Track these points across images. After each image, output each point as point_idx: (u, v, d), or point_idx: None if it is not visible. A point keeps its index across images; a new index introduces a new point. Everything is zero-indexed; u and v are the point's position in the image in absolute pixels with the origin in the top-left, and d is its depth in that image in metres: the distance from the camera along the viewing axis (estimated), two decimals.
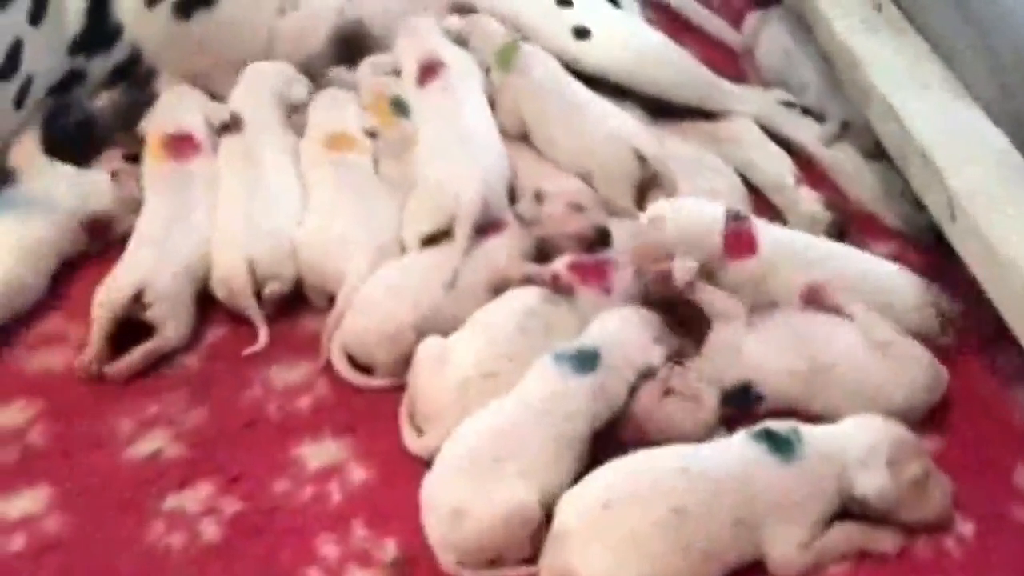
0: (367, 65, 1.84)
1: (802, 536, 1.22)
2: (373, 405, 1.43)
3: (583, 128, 1.67)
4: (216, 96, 1.82)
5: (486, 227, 1.52)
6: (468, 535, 1.21)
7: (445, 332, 1.42)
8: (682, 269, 1.39)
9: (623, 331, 1.36)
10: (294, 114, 1.78)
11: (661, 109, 1.80)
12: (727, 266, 1.44)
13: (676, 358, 1.38)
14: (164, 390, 1.47)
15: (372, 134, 1.74)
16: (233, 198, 1.63)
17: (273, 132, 1.74)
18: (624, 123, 1.68)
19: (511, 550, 1.22)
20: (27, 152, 1.69)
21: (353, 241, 1.54)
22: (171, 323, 1.50)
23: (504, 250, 1.51)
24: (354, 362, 1.47)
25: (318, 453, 1.38)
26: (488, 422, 1.28)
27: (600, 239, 1.50)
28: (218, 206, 1.63)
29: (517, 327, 1.39)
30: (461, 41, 1.81)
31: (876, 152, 1.69)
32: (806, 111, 1.85)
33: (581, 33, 1.81)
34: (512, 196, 1.60)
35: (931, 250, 1.59)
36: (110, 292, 1.50)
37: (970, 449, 1.35)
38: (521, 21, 1.83)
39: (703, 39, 2.06)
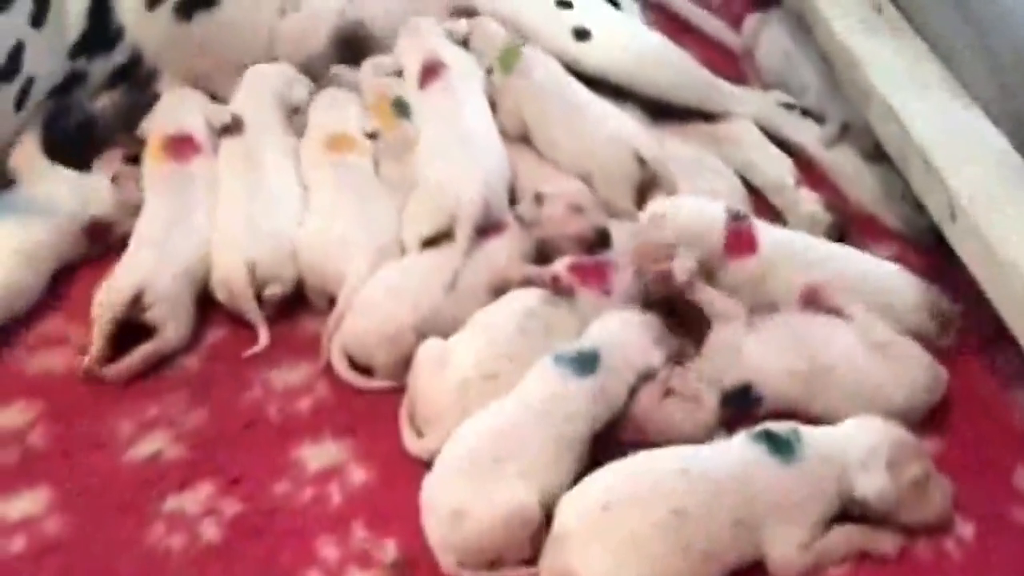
0: (369, 66, 1.84)
1: (802, 537, 1.22)
2: (373, 406, 1.43)
3: (584, 130, 1.67)
4: (217, 97, 1.83)
5: (486, 229, 1.52)
6: (468, 536, 1.21)
7: (445, 334, 1.42)
8: (683, 265, 1.39)
9: (623, 333, 1.36)
10: (295, 116, 1.78)
11: (661, 110, 1.80)
12: (727, 265, 1.44)
13: (676, 360, 1.38)
14: (164, 391, 1.47)
15: (372, 135, 1.74)
16: (234, 199, 1.63)
17: (274, 133, 1.74)
18: (624, 125, 1.68)
19: (511, 551, 1.22)
20: (27, 155, 1.69)
21: (353, 242, 1.54)
22: (171, 324, 1.50)
23: (504, 251, 1.51)
24: (354, 363, 1.47)
25: (318, 454, 1.38)
26: (488, 423, 1.28)
27: (600, 240, 1.50)
28: (218, 207, 1.63)
29: (517, 328, 1.39)
30: (463, 43, 1.81)
31: (876, 154, 1.69)
32: (806, 112, 1.85)
33: (581, 34, 1.81)
34: (512, 198, 1.60)
35: (931, 252, 1.59)
36: (110, 293, 1.50)
37: (970, 450, 1.35)
38: (521, 22, 1.83)
39: (703, 41, 2.06)
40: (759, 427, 1.26)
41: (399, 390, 1.42)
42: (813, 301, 1.42)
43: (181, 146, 1.70)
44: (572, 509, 1.21)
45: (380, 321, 1.45)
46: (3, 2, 1.65)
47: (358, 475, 1.35)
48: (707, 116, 1.82)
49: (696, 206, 1.48)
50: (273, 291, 1.54)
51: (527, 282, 1.44)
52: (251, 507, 1.32)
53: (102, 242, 1.65)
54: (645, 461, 1.24)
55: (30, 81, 1.71)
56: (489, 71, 1.76)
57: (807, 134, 1.82)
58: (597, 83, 1.76)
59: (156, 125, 1.75)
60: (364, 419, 1.42)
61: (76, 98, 1.79)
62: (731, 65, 2.00)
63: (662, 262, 1.41)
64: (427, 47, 1.77)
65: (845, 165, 1.77)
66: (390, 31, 1.86)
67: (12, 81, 1.68)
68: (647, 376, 1.34)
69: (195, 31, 1.84)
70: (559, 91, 1.73)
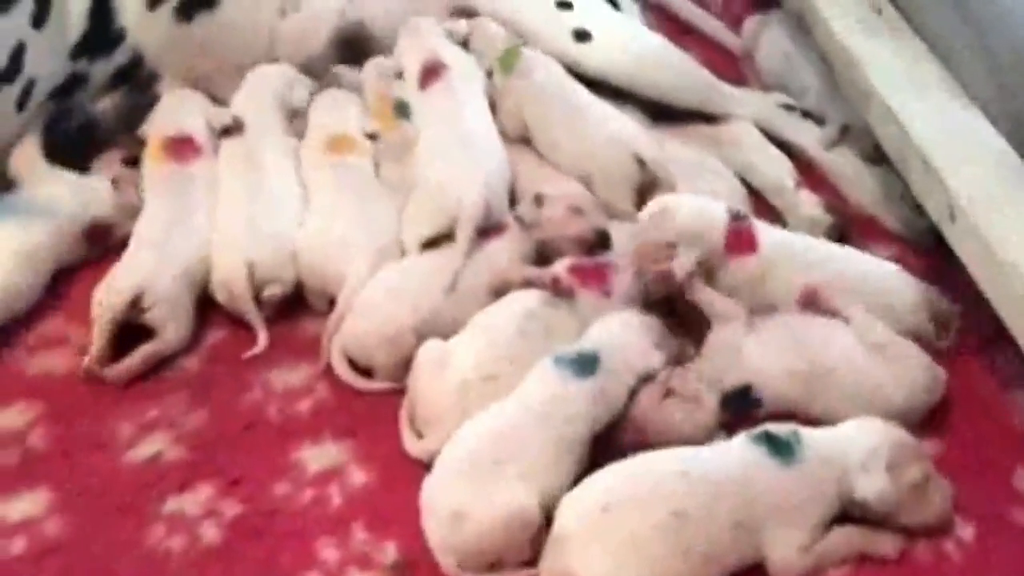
0: (371, 67, 1.84)
1: (802, 539, 1.21)
2: (373, 408, 1.43)
3: (584, 131, 1.67)
4: (217, 99, 1.83)
5: (486, 230, 1.52)
6: (468, 538, 1.21)
7: (445, 335, 1.42)
8: (683, 263, 1.39)
9: (624, 335, 1.36)
10: (295, 119, 1.78)
11: (661, 112, 1.80)
12: (727, 265, 1.44)
13: (676, 361, 1.38)
14: (164, 393, 1.47)
15: (372, 136, 1.74)
16: (234, 200, 1.63)
17: (274, 134, 1.74)
18: (625, 126, 1.68)
19: (511, 553, 1.22)
20: (27, 158, 1.69)
21: (353, 243, 1.54)
22: (171, 325, 1.50)
23: (504, 253, 1.51)
24: (354, 365, 1.47)
25: (318, 456, 1.38)
26: (488, 425, 1.28)
27: (600, 242, 1.50)
28: (218, 208, 1.64)
29: (517, 330, 1.39)
30: (463, 44, 1.81)
31: (876, 156, 1.69)
32: (806, 114, 1.85)
33: (581, 36, 1.81)
34: (511, 199, 1.60)
35: (931, 253, 1.59)
36: (110, 294, 1.50)
37: (969, 451, 1.35)
38: (521, 24, 1.83)
39: (703, 42, 2.06)
40: (759, 429, 1.26)
41: (399, 392, 1.42)
42: (812, 303, 1.42)
43: (181, 147, 1.70)
44: (572, 511, 1.21)
45: (380, 322, 1.45)
46: (4, 3, 1.66)
47: (358, 476, 1.35)
48: (707, 118, 1.82)
49: (697, 204, 1.48)
50: (272, 292, 1.54)
51: (527, 284, 1.44)
52: (251, 508, 1.32)
53: (101, 244, 1.65)
54: (645, 463, 1.24)
55: (31, 82, 1.71)
56: (489, 72, 1.76)
57: (807, 136, 1.82)
58: (597, 84, 1.76)
59: (156, 126, 1.75)
60: (364, 421, 1.42)
61: (77, 100, 1.79)
62: (731, 67, 2.00)
63: (662, 262, 1.41)
64: (427, 47, 1.77)
65: (845, 167, 1.77)
66: (390, 31, 1.86)
67: (14, 82, 1.68)
68: (647, 378, 1.34)
69: (196, 32, 1.85)
70: (560, 92, 1.73)
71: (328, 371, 1.47)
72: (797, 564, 1.21)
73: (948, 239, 1.40)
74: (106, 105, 1.82)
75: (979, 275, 1.33)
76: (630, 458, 1.25)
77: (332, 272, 1.53)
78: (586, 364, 1.31)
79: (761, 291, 1.44)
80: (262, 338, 1.51)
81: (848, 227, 1.65)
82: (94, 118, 1.81)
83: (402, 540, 1.27)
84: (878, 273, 1.49)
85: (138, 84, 1.84)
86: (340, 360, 1.47)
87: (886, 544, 1.24)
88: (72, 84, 1.78)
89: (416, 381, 1.39)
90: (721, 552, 1.20)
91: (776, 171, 1.74)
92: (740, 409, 1.35)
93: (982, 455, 1.35)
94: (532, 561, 1.22)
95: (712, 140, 1.80)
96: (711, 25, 2.10)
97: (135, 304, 1.49)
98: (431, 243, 1.53)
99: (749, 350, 1.37)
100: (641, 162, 1.62)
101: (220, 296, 1.56)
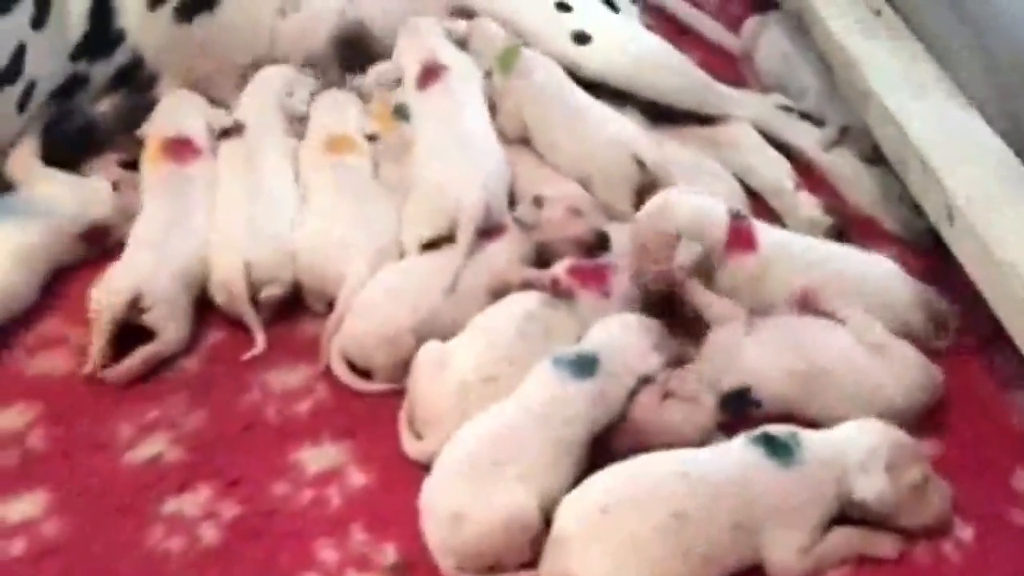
0: (373, 73, 1.84)
1: (801, 541, 1.22)
2: (372, 409, 1.43)
3: (584, 133, 1.67)
4: (216, 100, 1.83)
5: (486, 231, 1.52)
6: (468, 539, 1.21)
7: (444, 336, 1.42)
8: (687, 254, 1.39)
9: (623, 336, 1.36)
10: (298, 121, 1.78)
11: (660, 114, 1.80)
12: (726, 263, 1.44)
13: (676, 363, 1.38)
14: (164, 394, 1.47)
15: (372, 137, 1.74)
16: (234, 201, 1.63)
17: (275, 135, 1.74)
18: (624, 128, 1.69)
19: (511, 554, 1.22)
20: (23, 161, 1.69)
21: (353, 244, 1.54)
22: (171, 326, 1.50)
23: (504, 254, 1.51)
24: (353, 366, 1.47)
25: (317, 457, 1.38)
26: (487, 426, 1.28)
27: (599, 243, 1.51)
28: (217, 209, 1.64)
29: (516, 331, 1.39)
30: (461, 44, 1.81)
31: (875, 156, 1.69)
32: (805, 115, 1.86)
33: (580, 38, 1.81)
34: (510, 200, 1.60)
35: (929, 254, 1.59)
36: (108, 295, 1.50)
37: (968, 452, 1.35)
38: (521, 25, 1.83)
39: (702, 44, 2.06)
40: (758, 430, 1.26)
41: (398, 393, 1.42)
42: (807, 304, 1.41)
43: (180, 148, 1.70)
44: (571, 512, 1.21)
45: (379, 323, 1.45)
46: (5, 4, 1.66)
47: (357, 478, 1.35)
48: (706, 119, 1.82)
49: (698, 200, 1.47)
50: (271, 293, 1.54)
51: (526, 285, 1.44)
52: (250, 509, 1.32)
53: (100, 245, 1.65)
54: (644, 464, 1.24)
55: (32, 83, 1.71)
56: (488, 73, 1.76)
57: (806, 137, 1.82)
58: (596, 86, 1.76)
59: (156, 127, 1.75)
60: (363, 422, 1.42)
61: (77, 102, 1.79)
62: (730, 68, 2.00)
63: (662, 262, 1.41)
64: (426, 48, 1.77)
65: (844, 168, 1.77)
66: (390, 31, 1.86)
67: (14, 83, 1.68)
68: (646, 379, 1.34)
69: (196, 33, 1.85)
70: (559, 93, 1.73)
71: (327, 372, 1.47)
72: (796, 565, 1.21)
73: (946, 239, 1.40)
74: (105, 106, 1.82)
75: (977, 275, 1.33)
76: (630, 459, 1.25)
77: (332, 273, 1.53)
78: (585, 365, 1.31)
79: (760, 291, 1.45)
80: (260, 339, 1.51)
81: (847, 228, 1.66)
82: (93, 119, 1.81)
83: (401, 541, 1.27)
84: (877, 272, 1.49)
85: (138, 85, 1.84)
86: (339, 361, 1.47)
87: (885, 545, 1.24)
88: (72, 85, 1.78)
89: (415, 382, 1.39)
90: (721, 553, 1.20)
91: (775, 172, 1.75)
92: (739, 410, 1.35)
93: (981, 456, 1.35)
94: (531, 563, 1.22)
95: (710, 141, 1.80)
96: (709, 26, 2.10)
97: (134, 305, 1.49)
98: (430, 244, 1.53)
99: (747, 351, 1.37)
100: (641, 163, 1.62)
101: (219, 297, 1.56)
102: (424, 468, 1.30)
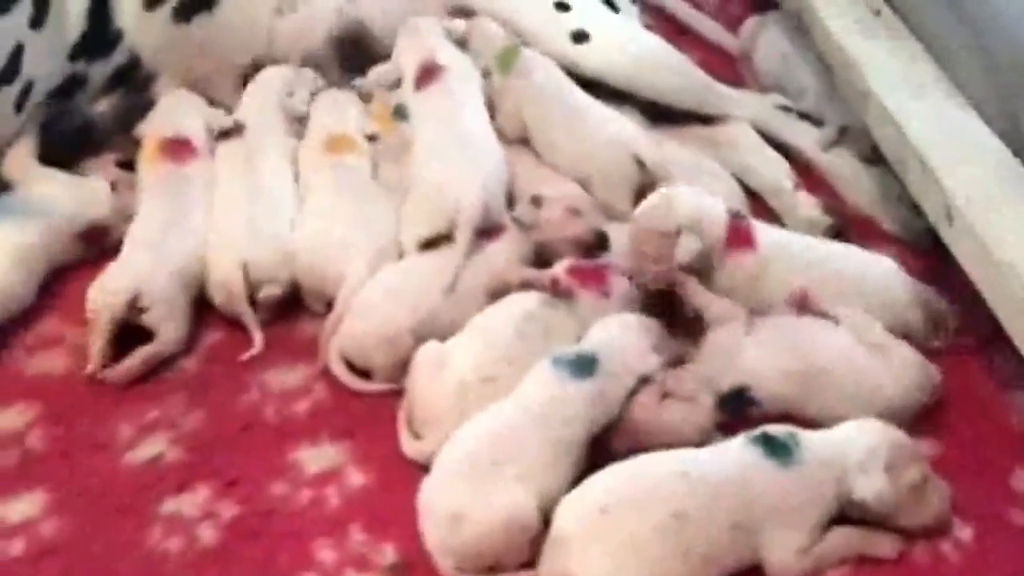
0: (373, 74, 1.83)
1: (801, 541, 1.22)
2: (371, 409, 1.43)
3: (584, 133, 1.67)
4: (215, 100, 1.83)
5: (485, 231, 1.52)
6: (467, 540, 1.21)
7: (443, 336, 1.42)
8: (685, 251, 1.39)
9: (623, 337, 1.36)
10: (299, 122, 1.78)
11: (659, 113, 1.80)
12: (725, 261, 1.44)
13: (676, 363, 1.38)
14: (163, 394, 1.47)
15: (372, 138, 1.74)
16: (233, 201, 1.63)
17: (275, 135, 1.74)
18: (624, 128, 1.69)
19: (510, 555, 1.22)
20: (20, 161, 1.69)
21: (353, 244, 1.54)
22: (170, 326, 1.50)
23: (503, 254, 1.51)
24: (352, 366, 1.47)
25: (316, 457, 1.38)
26: (486, 426, 1.28)
27: (598, 243, 1.51)
28: (216, 209, 1.63)
29: (516, 331, 1.39)
30: (461, 43, 1.81)
31: (874, 156, 1.69)
32: (804, 115, 1.86)
33: (579, 37, 1.81)
34: (509, 200, 1.60)
35: (928, 254, 1.59)
36: (106, 295, 1.50)
37: (967, 452, 1.35)
38: (519, 25, 1.83)
39: (701, 44, 2.06)
40: (757, 430, 1.26)
41: (397, 393, 1.42)
42: (803, 305, 1.41)
43: (178, 148, 1.70)
44: (571, 512, 1.21)
45: (378, 323, 1.45)
46: (3, 4, 1.65)
47: (356, 478, 1.35)
48: (704, 119, 1.82)
49: (697, 197, 1.47)
50: (269, 292, 1.54)
51: (526, 285, 1.44)
52: (248, 509, 1.32)
53: (97, 245, 1.64)
54: (644, 464, 1.24)
55: (30, 83, 1.71)
56: (486, 73, 1.76)
57: (805, 137, 1.82)
58: (595, 86, 1.76)
59: (154, 127, 1.75)
60: (362, 422, 1.42)
61: (75, 102, 1.79)
62: (729, 68, 2.00)
63: (661, 260, 1.40)
64: (425, 48, 1.77)
65: (843, 168, 1.77)
66: (389, 30, 1.86)
67: (12, 83, 1.68)
68: (645, 379, 1.34)
69: (194, 33, 1.84)
70: (558, 93, 1.73)
71: (326, 372, 1.47)
72: (795, 565, 1.21)
73: (945, 240, 1.40)
74: (103, 106, 1.82)
75: (976, 275, 1.33)
76: (629, 459, 1.25)
77: (331, 273, 1.53)
78: (585, 365, 1.31)
79: (759, 291, 1.45)
80: (258, 339, 1.51)
81: (846, 228, 1.66)
82: (91, 119, 1.81)
83: (400, 541, 1.27)
84: (876, 272, 1.49)
85: (136, 85, 1.83)
86: (338, 361, 1.47)
87: (884, 545, 1.24)
88: (70, 85, 1.78)
89: (414, 382, 1.39)
90: (720, 553, 1.20)
91: (774, 172, 1.75)
92: (737, 410, 1.35)
93: (980, 456, 1.35)
94: (531, 563, 1.22)
95: (709, 141, 1.80)
96: (708, 26, 2.10)
97: (132, 305, 1.49)
98: (429, 244, 1.53)
99: (745, 351, 1.37)
100: (640, 163, 1.62)
101: (217, 298, 1.56)
102: (423, 468, 1.30)
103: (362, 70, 1.84)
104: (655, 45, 1.85)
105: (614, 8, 1.91)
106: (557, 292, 1.43)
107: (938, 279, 1.50)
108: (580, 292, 1.44)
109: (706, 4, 2.17)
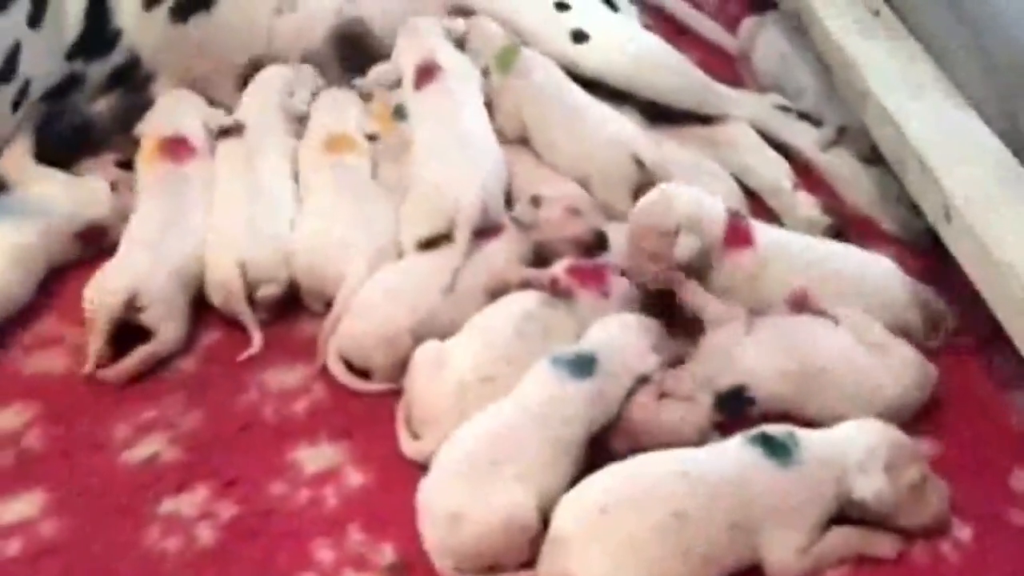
0: (373, 74, 1.83)
1: (800, 541, 1.21)
2: (370, 409, 1.43)
3: (583, 132, 1.67)
4: (214, 100, 1.82)
5: (484, 231, 1.52)
6: (466, 540, 1.21)
7: (442, 336, 1.42)
8: (684, 248, 1.39)
9: (622, 336, 1.36)
10: (297, 122, 1.78)
11: (658, 113, 1.80)
12: (724, 260, 1.44)
13: (675, 363, 1.37)
14: (161, 394, 1.46)
15: (372, 137, 1.74)
16: (233, 201, 1.63)
17: (276, 135, 1.74)
18: (623, 128, 1.69)
19: (509, 555, 1.21)
20: (17, 161, 1.69)
21: (352, 244, 1.54)
22: (168, 325, 1.50)
23: (502, 254, 1.51)
24: (351, 366, 1.47)
25: (314, 457, 1.38)
26: (485, 426, 1.28)
27: (598, 243, 1.51)
28: (215, 208, 1.63)
29: (515, 331, 1.39)
30: (460, 43, 1.81)
31: (873, 156, 1.69)
32: (803, 115, 1.86)
33: (579, 37, 1.81)
34: (508, 200, 1.60)
35: (927, 254, 1.59)
36: (103, 295, 1.49)
37: (967, 452, 1.35)
38: (519, 24, 1.83)
39: (700, 44, 2.07)
40: (756, 430, 1.26)
41: (396, 393, 1.42)
42: (802, 305, 1.41)
43: (177, 148, 1.70)
44: (570, 512, 1.21)
45: (377, 323, 1.45)
46: (1, 3, 1.65)
47: (355, 478, 1.35)
48: (704, 119, 1.82)
49: (696, 194, 1.47)
50: (267, 292, 1.54)
51: (525, 285, 1.44)
52: (247, 509, 1.32)
53: (96, 245, 1.64)
54: (643, 464, 1.24)
55: (27, 83, 1.70)
56: (486, 73, 1.76)
57: (804, 137, 1.82)
58: (595, 85, 1.76)
59: (152, 127, 1.75)
60: (361, 422, 1.42)
61: (73, 101, 1.78)
62: (728, 68, 2.00)
63: (660, 258, 1.40)
64: (425, 48, 1.77)
65: (842, 168, 1.77)
66: (388, 30, 1.86)
67: (9, 82, 1.68)
68: (644, 379, 1.34)
69: (192, 33, 1.84)
70: (558, 93, 1.73)
71: (324, 372, 1.47)
72: (795, 565, 1.21)
73: (944, 240, 1.40)
74: (102, 106, 1.82)
75: (975, 275, 1.33)
76: (628, 459, 1.25)
77: (331, 273, 1.53)
78: (584, 365, 1.31)
79: (757, 290, 1.44)
80: (256, 339, 1.51)
81: (845, 228, 1.66)
82: (89, 119, 1.81)
83: (399, 542, 1.27)
84: (875, 272, 1.49)
85: (134, 85, 1.83)
86: (337, 361, 1.47)
87: (884, 545, 1.24)
88: (68, 85, 1.77)
89: (413, 382, 1.39)
90: (719, 553, 1.19)
91: (773, 172, 1.75)
92: (735, 410, 1.35)
93: (979, 456, 1.35)
94: (530, 563, 1.21)
95: (708, 141, 1.80)
96: (708, 26, 2.10)
97: (130, 304, 1.48)
98: (429, 244, 1.53)
99: (743, 351, 1.37)
100: (640, 163, 1.62)
101: (216, 298, 1.56)
102: (422, 468, 1.29)
103: (362, 70, 1.84)
104: (654, 45, 1.85)
105: (614, 8, 1.91)
106: (556, 292, 1.43)
107: (937, 279, 1.50)
108: (579, 292, 1.43)
109: (705, 4, 2.17)
